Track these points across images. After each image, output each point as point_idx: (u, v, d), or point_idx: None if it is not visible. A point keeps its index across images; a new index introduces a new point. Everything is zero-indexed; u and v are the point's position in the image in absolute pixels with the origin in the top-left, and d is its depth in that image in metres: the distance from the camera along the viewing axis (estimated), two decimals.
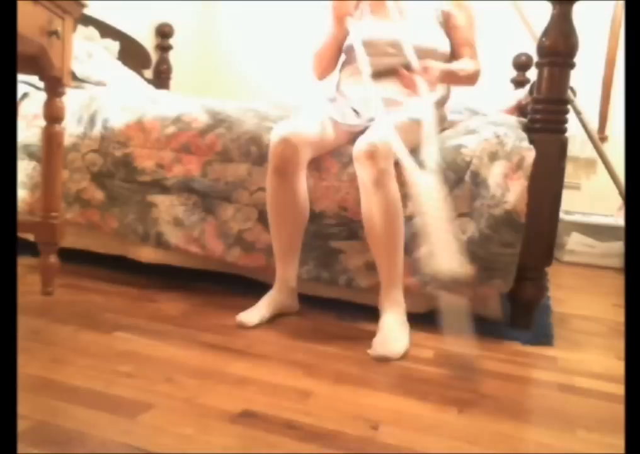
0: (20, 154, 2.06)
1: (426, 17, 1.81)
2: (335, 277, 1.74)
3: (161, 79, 3.65)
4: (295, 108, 2.03)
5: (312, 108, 1.80)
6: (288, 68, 3.88)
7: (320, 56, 1.85)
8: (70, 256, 1.99)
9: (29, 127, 2.07)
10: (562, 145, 1.66)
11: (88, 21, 2.94)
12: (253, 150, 1.80)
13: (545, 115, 1.67)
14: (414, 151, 1.67)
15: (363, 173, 1.51)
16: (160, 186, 1.90)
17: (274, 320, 1.63)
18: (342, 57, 1.89)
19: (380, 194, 1.49)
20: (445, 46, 1.80)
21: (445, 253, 1.33)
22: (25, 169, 2.06)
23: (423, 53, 1.69)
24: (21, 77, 2.16)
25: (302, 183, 1.64)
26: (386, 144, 1.50)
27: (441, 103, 1.85)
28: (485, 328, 1.69)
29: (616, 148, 3.48)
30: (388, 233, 1.51)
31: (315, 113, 1.72)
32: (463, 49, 1.82)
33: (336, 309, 1.77)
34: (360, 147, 1.52)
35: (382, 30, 1.75)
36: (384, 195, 1.49)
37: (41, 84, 1.78)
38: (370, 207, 1.51)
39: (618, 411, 1.21)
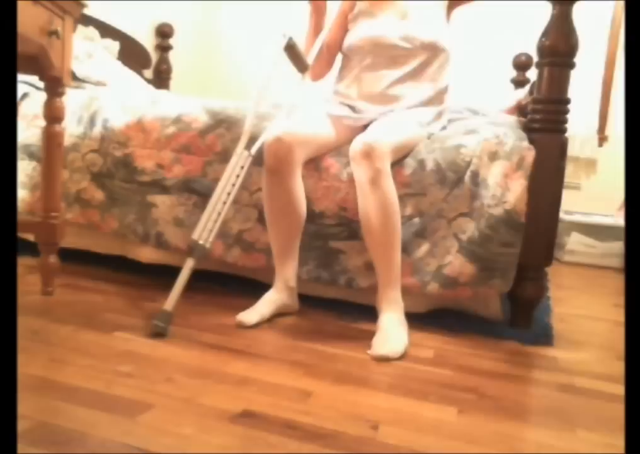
0: (20, 154, 2.06)
1: (428, 12, 1.78)
2: (335, 277, 1.74)
3: (161, 79, 3.65)
4: (293, 108, 2.03)
5: (309, 107, 1.80)
6: (288, 68, 3.88)
7: (306, 51, 1.83)
8: (70, 256, 1.99)
9: (29, 127, 2.07)
10: (562, 145, 1.66)
11: (88, 21, 2.94)
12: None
13: (545, 115, 1.67)
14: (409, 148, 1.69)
15: (360, 172, 1.52)
16: (160, 187, 1.90)
17: (274, 319, 1.63)
18: (340, 58, 1.90)
19: (377, 194, 1.50)
20: (445, 40, 1.77)
21: (204, 226, 1.50)
22: (25, 169, 2.06)
23: (424, 46, 1.72)
24: (21, 77, 2.16)
25: (298, 182, 1.64)
26: (382, 144, 1.50)
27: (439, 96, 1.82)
28: (485, 328, 1.69)
29: (616, 148, 3.49)
30: (385, 233, 1.51)
31: (312, 113, 1.73)
32: None
33: (336, 309, 1.77)
34: (355, 147, 1.52)
35: (387, 27, 1.75)
36: (380, 195, 1.50)
37: (41, 84, 1.78)
38: (367, 206, 1.51)
39: (618, 411, 1.21)
